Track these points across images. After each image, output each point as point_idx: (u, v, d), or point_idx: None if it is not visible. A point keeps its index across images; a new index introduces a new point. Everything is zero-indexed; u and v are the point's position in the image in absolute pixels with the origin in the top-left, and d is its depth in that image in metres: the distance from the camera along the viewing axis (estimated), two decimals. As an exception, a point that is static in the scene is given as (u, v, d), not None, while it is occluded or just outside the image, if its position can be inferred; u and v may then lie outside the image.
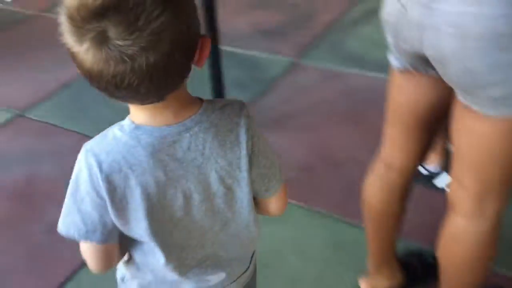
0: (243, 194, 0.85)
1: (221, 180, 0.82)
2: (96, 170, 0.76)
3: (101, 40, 0.64)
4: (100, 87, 0.70)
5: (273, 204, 0.93)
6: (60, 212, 0.82)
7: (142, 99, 0.73)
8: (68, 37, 0.67)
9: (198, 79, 2.74)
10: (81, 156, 0.78)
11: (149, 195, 0.78)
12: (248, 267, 1.00)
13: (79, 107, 2.61)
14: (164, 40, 0.65)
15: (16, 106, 2.66)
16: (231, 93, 2.59)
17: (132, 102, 0.75)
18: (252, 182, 0.85)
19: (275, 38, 3.09)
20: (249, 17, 3.39)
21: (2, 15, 3.69)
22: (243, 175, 0.83)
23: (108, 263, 0.87)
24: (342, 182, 2.00)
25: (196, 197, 0.82)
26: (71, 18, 0.65)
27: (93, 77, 0.68)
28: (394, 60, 1.16)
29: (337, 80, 2.66)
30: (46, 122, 2.52)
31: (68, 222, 0.81)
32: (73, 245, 0.87)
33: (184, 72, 0.73)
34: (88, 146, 0.79)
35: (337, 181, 2.01)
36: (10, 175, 2.20)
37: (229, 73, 2.74)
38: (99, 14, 0.63)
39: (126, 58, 0.64)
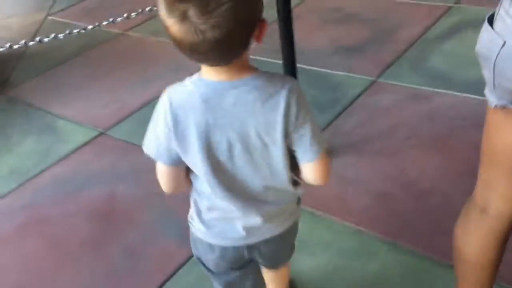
0: (278, 153, 1.02)
1: (259, 136, 1.00)
2: (168, 105, 1.00)
3: (183, 17, 0.87)
4: (182, 50, 0.93)
5: (311, 171, 1.06)
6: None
7: (212, 62, 0.96)
8: (163, 13, 0.90)
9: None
10: (162, 95, 1.03)
11: (201, 133, 0.99)
12: (286, 218, 1.16)
13: (157, 126, 2.67)
14: (227, 21, 0.86)
15: (100, 125, 2.77)
16: (307, 114, 2.54)
17: (205, 64, 0.98)
18: (291, 145, 1.03)
19: (354, 56, 3.00)
20: (326, 32, 3.32)
21: (86, 34, 3.89)
22: (278, 136, 0.99)
23: (175, 184, 1.11)
24: (427, 216, 1.87)
25: (238, 146, 1.00)
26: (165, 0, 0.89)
27: (177, 43, 0.91)
28: (491, 96, 1.04)
29: (420, 101, 2.52)
30: (127, 141, 2.61)
31: (147, 143, 1.07)
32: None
33: (243, 46, 0.94)
34: (168, 89, 1.03)
35: (421, 214, 1.88)
36: (91, 193, 2.29)
37: (306, 93, 2.69)
38: None
39: (199, 32, 0.87)
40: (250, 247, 1.17)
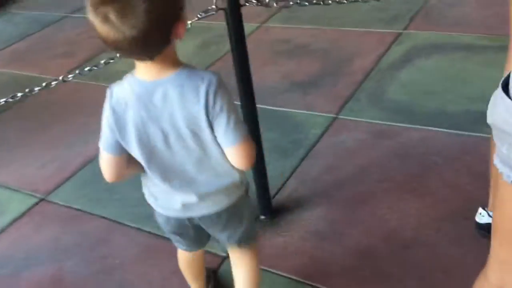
0: (208, 138, 1.17)
1: (187, 125, 1.15)
2: (109, 102, 1.17)
3: (105, 20, 1.02)
4: (109, 48, 1.07)
5: (232, 155, 1.19)
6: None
7: (138, 57, 1.11)
8: (90, 15, 1.04)
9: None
10: (107, 92, 1.18)
11: (137, 127, 1.16)
12: (222, 199, 1.29)
13: (105, 187, 2.39)
14: (142, 22, 1.01)
15: (38, 190, 2.47)
16: (272, 160, 2.36)
17: (132, 58, 1.12)
18: (216, 131, 1.16)
19: (310, 91, 2.86)
20: (278, 67, 3.17)
21: (16, 83, 3.56)
22: (203, 124, 1.15)
23: (117, 172, 1.27)
24: (414, 271, 1.72)
25: (172, 135, 1.17)
26: (91, 3, 1.03)
27: (104, 41, 1.05)
28: (509, 172, 0.92)
29: (385, 138, 2.40)
30: (70, 207, 2.32)
31: (101, 136, 1.23)
32: None
33: (162, 42, 1.09)
34: (111, 86, 1.19)
35: (409, 269, 1.73)
36: (33, 275, 1.99)
37: (266, 136, 2.51)
38: (104, 2, 1.01)
39: (120, 32, 1.02)
40: (191, 220, 1.34)
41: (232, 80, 1.84)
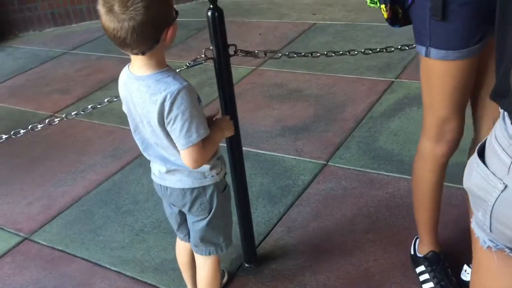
0: (160, 134, 1.40)
1: (147, 118, 1.39)
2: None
3: (109, 10, 1.24)
4: (109, 37, 1.29)
5: (182, 156, 1.42)
6: None
7: (130, 49, 1.31)
8: (98, 5, 1.27)
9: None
10: None
11: (127, 104, 1.45)
12: (185, 179, 1.51)
13: (89, 228, 2.38)
14: (140, 15, 1.22)
15: (22, 228, 2.44)
16: (258, 206, 2.35)
17: (126, 51, 1.32)
18: (171, 134, 1.40)
19: (301, 136, 2.87)
20: (271, 111, 3.20)
21: (9, 117, 3.57)
22: (155, 123, 1.37)
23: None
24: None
25: (144, 120, 1.42)
26: None
27: (105, 30, 1.28)
28: (484, 237, 0.91)
29: (374, 186, 2.39)
30: (54, 248, 2.29)
31: None
32: None
33: (153, 38, 1.29)
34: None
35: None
36: (10, 319, 1.94)
37: (254, 181, 2.52)
38: None
39: (120, 21, 1.24)
40: (165, 189, 1.56)
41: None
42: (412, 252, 1.90)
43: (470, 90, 1.54)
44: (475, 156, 0.91)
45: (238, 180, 1.92)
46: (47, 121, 1.95)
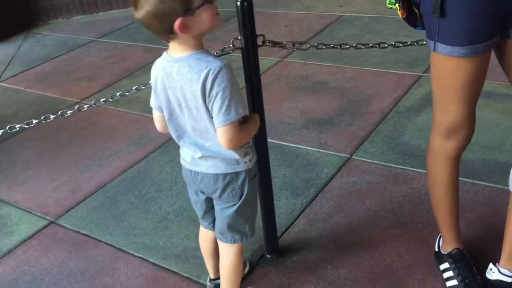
0: (203, 114, 1.41)
1: (192, 99, 1.39)
2: (151, 70, 1.50)
3: (136, 3, 1.33)
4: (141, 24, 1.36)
5: (218, 135, 1.41)
6: None
7: (157, 34, 1.37)
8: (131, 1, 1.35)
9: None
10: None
11: (163, 91, 1.45)
12: (219, 165, 1.52)
13: (114, 213, 2.41)
14: (154, 2, 1.29)
15: (49, 212, 2.49)
16: (281, 197, 2.35)
17: (156, 35, 1.38)
18: (212, 113, 1.40)
19: (325, 129, 2.86)
20: (295, 103, 3.18)
21: (39, 103, 3.64)
22: (200, 102, 1.38)
23: (162, 126, 1.56)
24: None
25: (183, 104, 1.43)
26: None
27: (136, 19, 1.35)
28: None
29: (399, 182, 2.37)
30: (79, 232, 2.33)
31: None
32: None
33: (163, 31, 1.35)
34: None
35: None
36: (36, 300, 1.99)
37: (278, 173, 2.51)
38: None
39: (143, 8, 1.31)
40: (196, 175, 1.57)
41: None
42: (436, 249, 1.88)
43: (481, 86, 1.53)
44: None
45: (262, 171, 1.92)
46: (76, 107, 1.97)
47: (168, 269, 2.05)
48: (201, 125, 1.44)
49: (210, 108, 1.38)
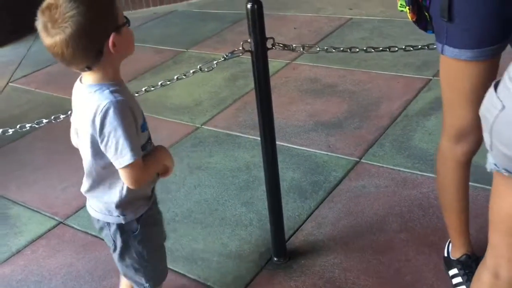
0: (89, 147, 1.31)
1: (85, 130, 1.30)
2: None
3: (44, 27, 1.21)
4: (51, 55, 1.23)
5: (120, 175, 1.32)
6: None
7: (74, 66, 1.26)
8: (36, 23, 1.22)
9: (253, 182, 2.50)
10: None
11: (76, 114, 1.38)
12: (101, 209, 1.44)
13: (123, 215, 2.42)
14: (70, 27, 1.17)
15: (58, 212, 2.51)
16: (289, 200, 2.35)
17: (70, 67, 1.27)
18: (106, 152, 1.30)
19: (334, 132, 2.85)
20: (304, 106, 3.18)
21: (49, 103, 3.66)
22: (88, 137, 1.30)
23: (74, 141, 1.49)
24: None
25: (80, 132, 1.35)
26: (37, 14, 1.22)
27: (47, 49, 1.23)
28: (489, 158, 1.07)
29: (408, 186, 2.35)
30: (87, 233, 2.34)
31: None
32: None
33: (92, 51, 1.23)
34: None
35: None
36: (44, 300, 2.00)
37: (286, 175, 2.51)
38: (42, 12, 1.20)
39: (52, 36, 1.19)
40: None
41: (256, 116, 1.85)
42: (446, 254, 1.87)
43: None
44: (491, 86, 1.04)
45: (270, 174, 1.92)
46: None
47: (176, 271, 2.05)
48: (89, 160, 1.35)
49: (103, 149, 1.29)
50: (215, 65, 1.85)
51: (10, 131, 1.90)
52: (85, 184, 1.43)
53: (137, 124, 1.32)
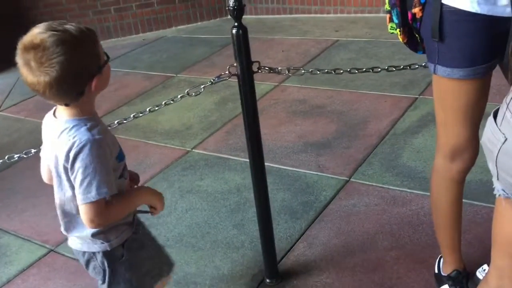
0: (65, 181, 1.31)
1: (59, 167, 1.31)
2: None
3: (26, 64, 1.21)
4: (29, 88, 1.24)
5: (80, 213, 1.30)
6: None
7: (53, 101, 1.28)
8: (17, 58, 1.23)
9: (244, 204, 2.50)
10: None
11: (48, 148, 1.37)
12: (81, 242, 1.43)
13: (114, 241, 2.41)
14: (55, 71, 1.18)
15: (49, 240, 2.49)
16: (280, 221, 2.36)
17: (49, 101, 1.28)
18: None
19: (323, 152, 2.88)
20: (293, 127, 3.21)
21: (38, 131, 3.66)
22: (62, 172, 1.30)
23: (45, 177, 1.50)
24: None
25: (53, 167, 1.33)
26: (18, 47, 1.22)
27: (24, 81, 1.24)
28: (496, 185, 1.10)
29: (397, 204, 2.37)
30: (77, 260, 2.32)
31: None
32: None
33: (75, 92, 1.25)
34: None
35: None
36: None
37: (276, 196, 2.52)
38: (27, 49, 1.21)
39: (35, 76, 1.20)
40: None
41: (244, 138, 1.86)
42: (436, 271, 1.88)
43: (483, 108, 1.55)
44: (490, 116, 1.08)
45: (260, 195, 1.94)
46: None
47: (168, 296, 2.04)
48: (64, 196, 1.35)
49: (73, 183, 1.28)
50: (202, 90, 1.88)
51: (-1, 161, 1.90)
52: (65, 224, 1.41)
53: (112, 158, 1.32)
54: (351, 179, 2.61)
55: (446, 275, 1.81)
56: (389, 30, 1.59)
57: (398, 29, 1.54)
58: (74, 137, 1.25)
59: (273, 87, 3.78)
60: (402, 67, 2.03)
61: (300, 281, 2.01)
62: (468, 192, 2.33)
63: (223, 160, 2.95)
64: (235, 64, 1.71)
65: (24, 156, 1.93)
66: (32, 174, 3.11)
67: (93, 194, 1.25)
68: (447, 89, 1.49)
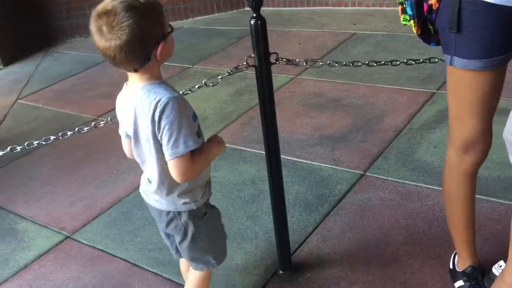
0: (151, 145, 1.38)
1: (144, 131, 1.38)
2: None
3: (99, 30, 1.28)
4: (101, 54, 1.31)
5: (169, 167, 1.38)
6: None
7: (121, 66, 1.33)
8: (90, 25, 1.30)
9: (258, 196, 2.51)
10: None
11: (124, 120, 1.47)
12: (168, 201, 1.51)
13: (128, 229, 2.44)
14: (126, 34, 1.25)
15: (65, 227, 2.52)
16: (294, 214, 2.36)
17: (119, 67, 1.34)
18: (162, 144, 1.37)
19: (339, 146, 2.86)
20: (309, 120, 3.20)
21: (56, 120, 3.70)
22: (149, 134, 1.37)
23: (129, 152, 1.53)
24: None
25: (139, 135, 1.41)
26: (92, 16, 1.29)
27: (97, 47, 1.30)
28: None
29: (413, 198, 2.36)
30: (94, 247, 2.35)
31: None
32: None
33: (142, 57, 1.31)
34: None
35: None
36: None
37: (291, 189, 2.52)
38: (100, 16, 1.28)
39: (107, 40, 1.27)
40: (149, 205, 1.58)
41: (261, 130, 1.86)
42: (451, 266, 1.87)
43: (497, 100, 1.54)
44: None
45: (275, 188, 1.94)
46: (93, 124, 2.02)
47: (181, 285, 2.06)
48: (150, 158, 1.43)
49: (160, 140, 1.36)
50: (219, 80, 1.88)
51: (18, 148, 1.93)
52: (153, 185, 1.48)
53: (196, 120, 1.40)
54: (366, 173, 2.60)
55: (461, 271, 1.80)
56: (402, 22, 1.58)
57: (412, 21, 1.53)
58: (155, 98, 1.32)
59: (290, 79, 3.77)
60: (421, 60, 2.00)
61: (314, 273, 2.02)
62: (485, 189, 2.32)
63: (239, 151, 2.96)
64: (252, 55, 1.71)
65: (43, 142, 1.95)
66: (49, 161, 3.15)
67: (181, 149, 1.34)
68: (463, 81, 1.48)
